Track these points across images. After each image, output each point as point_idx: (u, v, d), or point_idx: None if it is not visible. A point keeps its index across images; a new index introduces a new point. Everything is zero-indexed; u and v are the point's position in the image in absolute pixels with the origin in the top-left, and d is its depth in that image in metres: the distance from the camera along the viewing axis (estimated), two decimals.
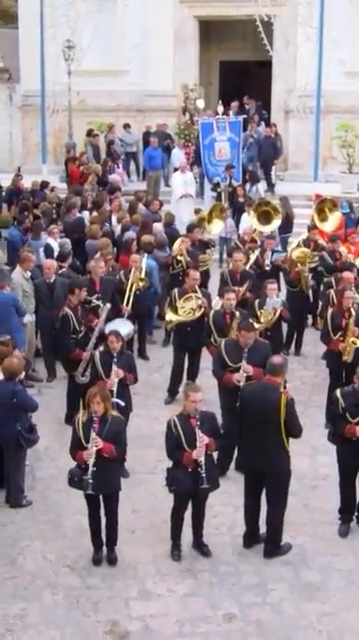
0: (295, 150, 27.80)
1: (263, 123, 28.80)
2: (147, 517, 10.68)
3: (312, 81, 26.64)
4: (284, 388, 9.82)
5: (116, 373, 11.34)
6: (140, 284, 15.49)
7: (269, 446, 9.65)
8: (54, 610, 9.05)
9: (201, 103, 28.59)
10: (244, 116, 26.91)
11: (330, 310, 13.50)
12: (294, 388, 14.22)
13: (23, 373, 11.73)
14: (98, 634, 8.63)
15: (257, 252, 16.88)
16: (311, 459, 12.09)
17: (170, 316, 14.26)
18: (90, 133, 27.54)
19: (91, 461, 9.38)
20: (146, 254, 16.44)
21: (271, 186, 26.37)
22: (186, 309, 13.95)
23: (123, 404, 11.00)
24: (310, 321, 17.28)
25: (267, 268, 16.56)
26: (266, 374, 10.05)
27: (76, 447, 9.60)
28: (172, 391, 14.30)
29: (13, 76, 31.63)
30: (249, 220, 19.64)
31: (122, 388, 11.41)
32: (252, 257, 16.58)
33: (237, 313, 13.13)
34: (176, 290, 14.44)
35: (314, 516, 10.72)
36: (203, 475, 9.45)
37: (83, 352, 12.78)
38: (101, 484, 9.48)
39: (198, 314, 13.85)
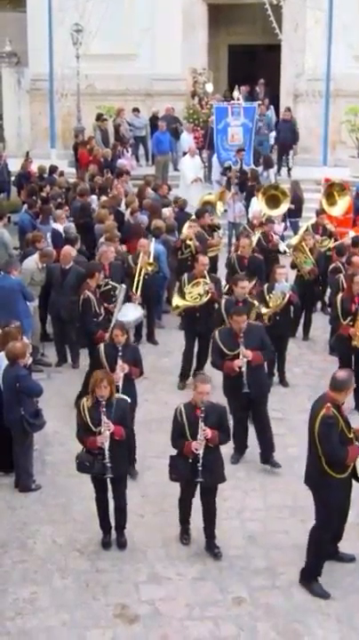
0: (304, 134, 27.64)
1: (272, 107, 28.75)
2: (156, 502, 10.70)
3: (321, 65, 26.50)
4: (339, 406, 8.87)
5: (122, 367, 11.07)
6: (149, 268, 15.45)
7: (311, 466, 9.07)
8: (64, 593, 9.08)
9: (210, 87, 28.54)
10: (259, 102, 26.90)
11: (339, 295, 13.47)
12: (303, 373, 14.34)
13: (30, 359, 11.72)
14: (107, 617, 8.66)
15: (258, 234, 16.91)
16: None
17: (177, 300, 14.23)
18: (99, 118, 27.46)
19: (106, 445, 9.37)
20: (154, 239, 16.43)
21: (289, 170, 26.37)
22: (193, 294, 13.89)
23: (128, 400, 10.60)
24: (319, 305, 17.28)
25: (283, 248, 16.69)
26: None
27: (85, 432, 9.55)
28: (183, 375, 14.22)
29: (22, 61, 31.58)
30: (258, 205, 19.62)
31: (127, 382, 11.12)
32: (254, 239, 16.59)
33: (256, 302, 13.06)
34: (185, 275, 14.32)
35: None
36: (199, 468, 9.35)
37: (105, 334, 12.70)
38: (113, 467, 9.49)
39: (205, 299, 13.77)
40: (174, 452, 9.63)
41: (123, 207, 19.33)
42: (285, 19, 28.45)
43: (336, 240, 17.23)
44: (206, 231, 17.44)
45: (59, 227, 17.52)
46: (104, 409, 9.41)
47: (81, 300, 13.40)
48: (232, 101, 24.85)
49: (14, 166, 24.64)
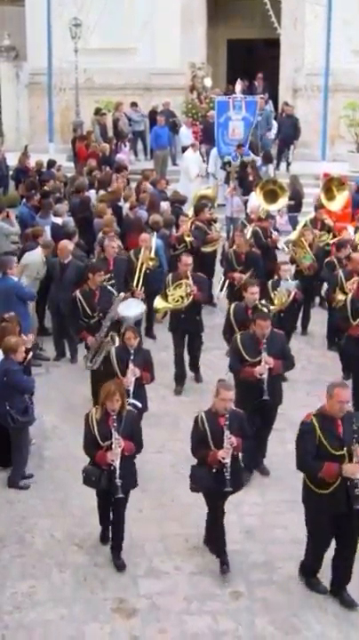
0: (303, 129, 27.61)
1: (271, 102, 28.74)
2: (154, 496, 10.71)
3: (320, 59, 26.50)
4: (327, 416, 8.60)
5: (133, 371, 10.83)
6: (150, 263, 15.36)
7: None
8: (62, 588, 9.09)
9: (208, 82, 28.50)
10: (261, 95, 26.89)
11: (349, 295, 13.23)
12: (302, 368, 14.31)
13: (30, 354, 11.69)
14: (106, 611, 8.68)
15: (251, 229, 16.85)
16: None
17: (158, 302, 13.93)
18: (97, 112, 27.45)
19: (117, 463, 8.98)
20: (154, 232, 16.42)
21: (288, 165, 26.38)
22: (175, 297, 13.58)
23: (139, 405, 10.52)
24: (317, 300, 17.28)
25: (281, 246, 16.66)
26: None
27: (93, 446, 9.15)
28: (179, 378, 13.96)
29: (20, 55, 31.53)
30: (256, 199, 19.60)
31: (138, 387, 10.92)
32: (248, 233, 16.55)
33: (265, 309, 12.66)
34: (170, 275, 14.06)
35: None
36: (227, 477, 8.97)
37: (89, 336, 12.63)
38: (122, 485, 9.11)
39: (187, 302, 13.48)
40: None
41: (122, 202, 19.31)
42: (284, 13, 28.42)
43: (334, 235, 17.22)
44: (206, 226, 17.43)
45: (60, 221, 17.51)
46: (115, 423, 9.05)
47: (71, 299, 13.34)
48: (233, 95, 24.81)
49: (13, 160, 24.61)
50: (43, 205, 18.21)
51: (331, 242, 16.66)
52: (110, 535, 9.56)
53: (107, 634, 8.37)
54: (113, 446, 8.98)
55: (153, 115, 27.64)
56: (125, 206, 18.85)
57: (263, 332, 10.77)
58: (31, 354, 11.84)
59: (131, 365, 10.83)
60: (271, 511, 10.47)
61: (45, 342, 15.40)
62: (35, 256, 15.07)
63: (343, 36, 27.07)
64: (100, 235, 16.67)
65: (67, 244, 15.16)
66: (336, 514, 8.53)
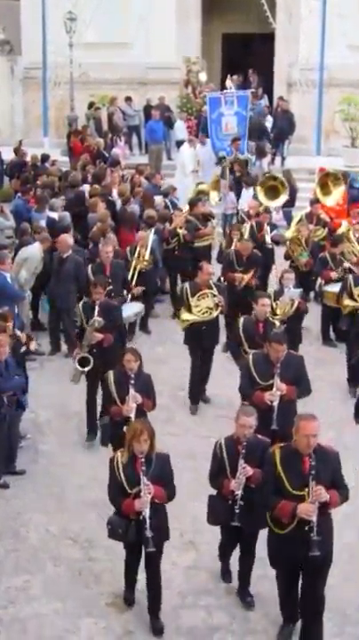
0: (298, 124, 27.60)
1: (266, 96, 28.73)
2: None
3: (315, 54, 26.51)
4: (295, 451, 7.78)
5: (134, 398, 9.90)
6: (144, 264, 15.21)
7: None
8: (57, 582, 9.10)
9: (203, 76, 28.51)
10: (252, 90, 26.87)
11: None
12: None
13: (23, 348, 11.67)
14: (100, 606, 8.68)
15: (247, 226, 16.80)
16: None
17: (185, 315, 12.83)
18: (92, 106, 27.42)
19: (146, 512, 7.94)
20: (151, 230, 16.38)
21: (283, 159, 26.39)
22: (201, 308, 12.64)
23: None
24: (312, 295, 17.28)
25: (269, 246, 16.58)
26: None
27: (120, 494, 8.08)
28: (194, 396, 13.10)
29: (15, 49, 31.49)
30: (248, 195, 19.64)
31: (139, 414, 9.86)
32: (245, 231, 16.52)
33: (277, 322, 11.90)
34: (187, 285, 13.18)
35: None
36: (237, 510, 8.33)
37: (74, 349, 12.32)
38: (154, 536, 8.06)
39: (215, 313, 12.69)
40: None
41: (115, 196, 19.30)
42: (279, 8, 28.44)
43: (330, 230, 17.23)
44: (199, 220, 17.42)
45: (56, 215, 17.49)
46: (143, 467, 7.96)
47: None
48: (225, 91, 24.80)
49: (7, 155, 24.57)
50: (38, 200, 18.19)
51: (327, 237, 16.71)
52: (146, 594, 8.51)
53: (101, 628, 8.37)
54: (142, 493, 7.92)
55: (148, 109, 27.62)
56: (118, 201, 18.83)
57: (277, 356, 10.00)
58: (24, 347, 11.86)
59: (131, 391, 9.92)
60: None
61: (40, 337, 15.38)
62: (35, 250, 15.06)
63: (338, 31, 27.12)
64: (94, 229, 16.64)
65: (67, 238, 15.13)
66: (292, 559, 7.81)
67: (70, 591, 8.94)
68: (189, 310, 12.72)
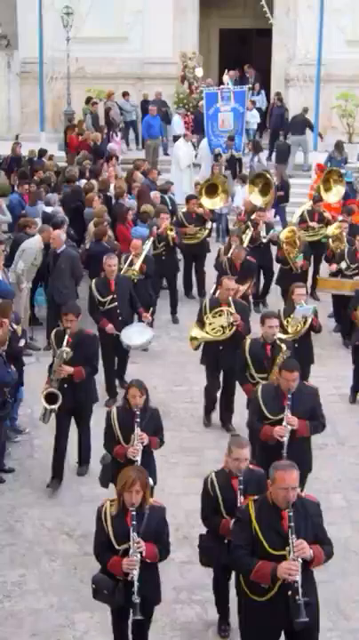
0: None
1: (263, 91, 28.72)
2: None
3: (312, 49, 26.45)
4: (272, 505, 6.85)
5: (141, 438, 8.84)
6: (134, 274, 14.44)
7: None
8: (52, 576, 9.11)
9: (199, 72, 28.46)
10: (249, 85, 26.88)
11: None
12: None
13: (22, 341, 11.66)
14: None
15: (249, 233, 16.67)
16: None
17: (195, 332, 12.20)
18: (88, 101, 27.40)
19: (135, 574, 6.87)
20: (144, 229, 16.32)
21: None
22: (214, 327, 11.91)
23: (152, 483, 8.55)
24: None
25: (264, 240, 16.54)
26: None
27: (106, 550, 7.10)
28: (209, 411, 12.56)
29: (12, 43, 31.41)
30: (242, 193, 19.65)
31: (145, 454, 8.91)
32: (246, 238, 16.45)
33: (284, 346, 10.70)
34: (207, 299, 12.57)
35: (310, 485, 10.74)
36: None
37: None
38: (142, 603, 6.97)
39: (229, 333, 11.85)
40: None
41: (112, 191, 19.29)
42: (277, 3, 28.43)
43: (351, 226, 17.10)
44: (193, 219, 17.30)
45: (50, 210, 17.47)
46: (134, 521, 6.95)
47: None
48: (222, 86, 24.79)
49: (3, 149, 24.53)
50: (31, 194, 18.19)
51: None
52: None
53: (96, 622, 8.38)
54: (131, 551, 6.91)
55: (145, 104, 27.59)
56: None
57: (288, 386, 9.02)
58: (22, 341, 11.86)
59: (137, 430, 8.84)
60: None
61: (36, 332, 15.38)
62: (33, 242, 15.05)
63: (336, 27, 27.11)
64: (91, 225, 16.63)
65: (60, 234, 15.12)
66: (274, 631, 6.84)
67: (65, 586, 8.95)
68: (203, 327, 12.08)
